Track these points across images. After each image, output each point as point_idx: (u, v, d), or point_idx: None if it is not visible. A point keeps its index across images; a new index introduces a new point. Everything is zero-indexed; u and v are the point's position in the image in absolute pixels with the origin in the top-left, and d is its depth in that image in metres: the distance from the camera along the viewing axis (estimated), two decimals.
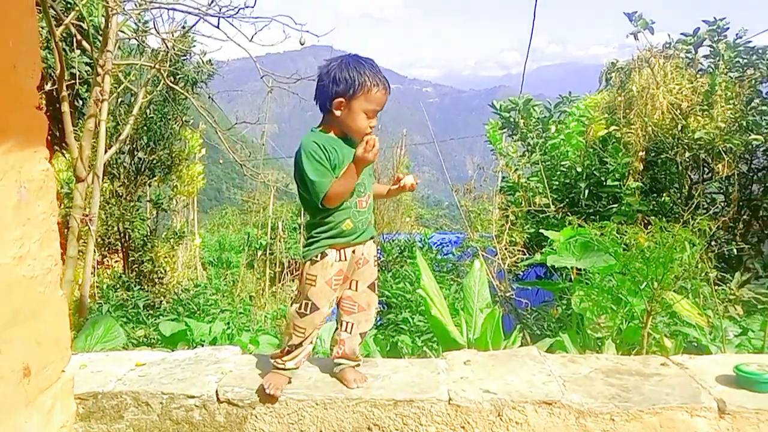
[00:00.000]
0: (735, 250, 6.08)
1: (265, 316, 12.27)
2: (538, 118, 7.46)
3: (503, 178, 7.90)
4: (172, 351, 3.21)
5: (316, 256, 2.17)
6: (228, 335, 4.73)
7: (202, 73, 7.52)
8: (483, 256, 6.10)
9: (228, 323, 5.53)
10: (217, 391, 2.29)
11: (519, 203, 7.12)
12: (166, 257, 9.33)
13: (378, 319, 7.41)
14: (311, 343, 2.29)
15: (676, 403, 2.10)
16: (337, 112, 2.13)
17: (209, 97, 7.60)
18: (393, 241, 9.11)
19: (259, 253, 20.14)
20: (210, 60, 7.66)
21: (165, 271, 9.22)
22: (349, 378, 2.28)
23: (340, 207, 2.15)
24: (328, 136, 2.17)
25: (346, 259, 2.20)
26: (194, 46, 7.56)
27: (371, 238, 2.31)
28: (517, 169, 7.50)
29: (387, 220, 10.09)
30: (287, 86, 5.27)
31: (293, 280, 19.03)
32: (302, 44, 4.72)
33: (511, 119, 7.60)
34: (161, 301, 8.32)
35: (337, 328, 2.37)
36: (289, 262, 19.94)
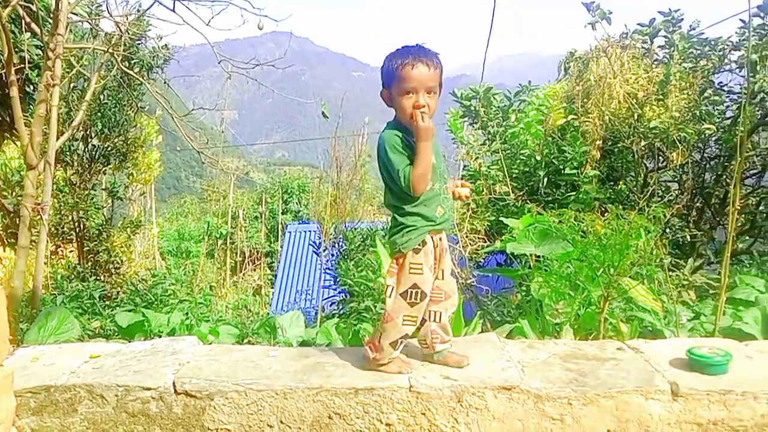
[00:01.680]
0: (688, 237, 6.25)
1: (226, 306, 12.15)
2: (499, 107, 7.51)
3: (464, 166, 7.94)
4: (129, 342, 3.14)
5: (419, 245, 2.21)
6: (187, 326, 4.65)
7: (158, 58, 7.34)
8: None
9: (187, 314, 5.43)
10: (174, 383, 2.24)
11: (480, 191, 7.17)
12: (122, 247, 9.12)
13: (340, 307, 7.39)
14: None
15: (631, 386, 2.15)
16: (387, 103, 2.23)
17: (165, 83, 7.42)
18: (355, 229, 9.07)
19: (220, 242, 19.95)
20: (166, 44, 7.47)
21: (121, 261, 9.02)
22: (456, 359, 2.34)
23: (432, 194, 2.21)
24: (402, 129, 2.21)
25: (437, 246, 2.27)
26: (149, 30, 7.37)
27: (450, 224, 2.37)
28: (477, 158, 7.54)
29: (350, 209, 10.05)
30: (245, 72, 5.17)
31: (254, 270, 18.92)
32: (260, 29, 4.64)
33: (472, 108, 7.63)
34: (118, 292, 8.14)
35: (424, 321, 2.35)
36: (250, 251, 19.79)
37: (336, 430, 2.15)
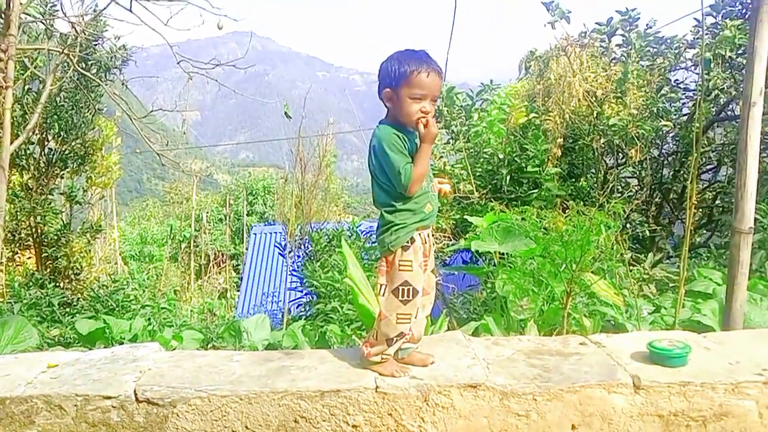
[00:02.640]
0: (648, 232, 6.38)
1: (191, 311, 11.99)
2: (461, 106, 7.55)
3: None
4: (89, 350, 3.07)
5: (408, 242, 2.21)
6: (149, 332, 4.57)
7: (116, 59, 7.19)
8: None
9: (149, 319, 5.34)
10: (135, 391, 2.19)
11: None
12: (82, 252, 8.91)
13: (307, 309, 7.35)
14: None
15: (594, 380, 2.17)
16: (389, 103, 2.22)
17: (123, 84, 7.27)
18: (321, 230, 9.03)
19: (183, 245, 19.67)
20: (124, 45, 7.31)
21: (81, 267, 8.81)
22: (420, 358, 2.35)
23: (421, 191, 2.23)
24: (395, 125, 2.21)
25: (426, 243, 2.29)
26: (106, 30, 7.20)
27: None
28: (441, 156, 7.58)
29: (315, 209, 10.00)
30: (206, 72, 5.10)
31: (220, 273, 18.70)
32: (220, 28, 4.58)
33: (436, 107, 7.67)
34: (78, 299, 7.95)
35: None
36: (215, 254, 19.56)
37: None
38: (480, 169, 7.14)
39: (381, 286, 2.26)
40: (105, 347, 3.59)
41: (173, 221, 20.85)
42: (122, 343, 4.10)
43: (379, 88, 2.25)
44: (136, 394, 2.19)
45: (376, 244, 2.38)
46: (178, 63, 5.03)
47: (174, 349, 4.05)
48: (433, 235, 6.33)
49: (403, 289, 2.21)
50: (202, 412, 2.14)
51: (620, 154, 6.70)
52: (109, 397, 2.19)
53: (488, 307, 4.48)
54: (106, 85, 7.11)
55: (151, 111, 5.85)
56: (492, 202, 6.19)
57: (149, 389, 2.18)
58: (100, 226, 9.75)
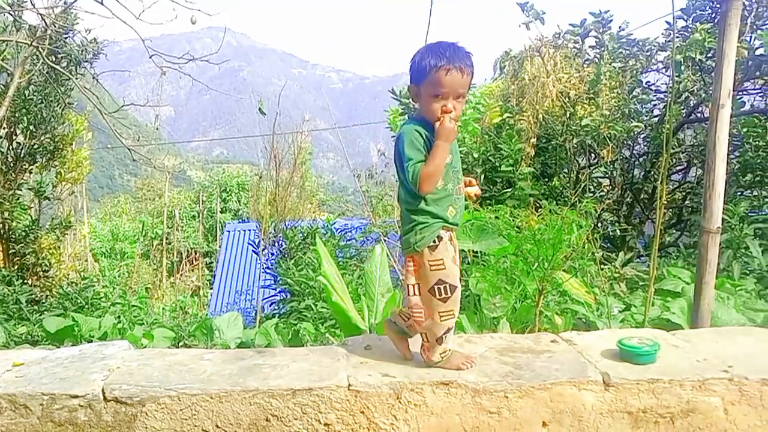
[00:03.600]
0: (619, 231, 6.47)
1: (163, 308, 11.84)
2: None
3: None
4: (56, 348, 3.01)
5: (434, 241, 2.16)
6: (119, 329, 4.51)
7: (87, 52, 7.06)
8: (386, 241, 6.16)
9: (119, 317, 5.27)
10: (103, 389, 2.16)
11: None
12: (51, 249, 8.74)
13: (280, 307, 7.31)
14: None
15: (565, 378, 2.19)
16: (414, 100, 2.18)
17: (93, 78, 7.14)
18: (296, 228, 8.99)
19: (156, 242, 19.42)
20: (95, 38, 7.18)
21: (50, 264, 8.65)
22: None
23: (444, 193, 2.16)
24: (424, 123, 2.16)
25: (453, 239, 2.24)
26: (77, 23, 7.07)
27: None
28: None
29: (290, 207, 9.95)
30: (179, 67, 5.04)
31: (192, 270, 18.51)
32: (193, 23, 4.53)
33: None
34: (47, 296, 7.81)
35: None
36: (187, 251, 19.35)
37: None
38: None
39: (411, 286, 2.21)
40: (73, 345, 3.54)
41: (145, 218, 20.59)
42: (91, 341, 4.04)
43: (410, 81, 2.21)
44: (104, 393, 2.15)
45: (400, 242, 2.34)
46: (150, 57, 4.97)
47: (144, 348, 4.01)
48: None
49: (439, 288, 2.17)
50: (171, 411, 2.12)
51: (592, 154, 6.78)
52: (76, 396, 2.15)
53: (461, 305, 4.51)
54: (77, 78, 6.98)
55: (123, 106, 5.77)
56: (467, 200, 6.22)
57: (117, 388, 2.15)
58: (69, 222, 9.56)
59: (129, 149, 5.93)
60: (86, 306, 6.57)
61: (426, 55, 2.10)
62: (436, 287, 2.17)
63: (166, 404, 2.11)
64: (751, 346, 2.49)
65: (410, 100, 2.21)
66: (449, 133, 2.10)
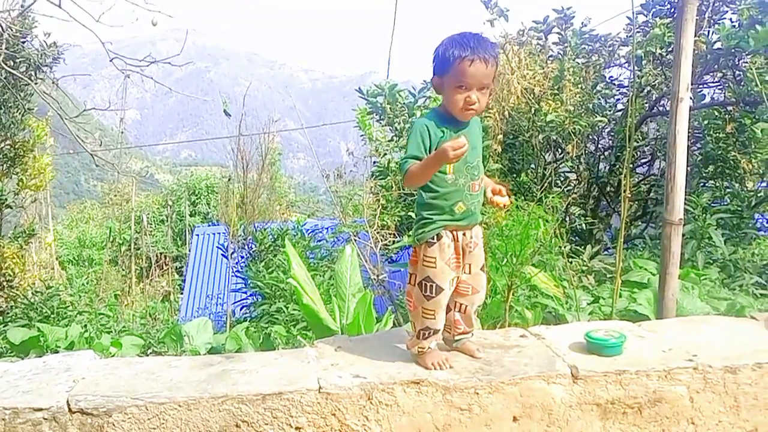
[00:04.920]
0: (586, 225, 6.55)
1: (133, 315, 11.64)
2: (404, 104, 7.57)
3: (374, 162, 7.97)
4: (21, 360, 2.95)
5: (432, 238, 2.17)
6: (86, 339, 4.42)
7: (46, 57, 6.89)
8: (356, 240, 6.15)
9: (86, 326, 5.16)
10: (68, 401, 2.11)
11: (390, 187, 7.22)
12: (14, 258, 8.52)
13: (251, 310, 7.25)
14: (442, 322, 2.29)
15: (534, 372, 2.22)
16: (438, 91, 2.17)
17: (53, 82, 6.98)
18: (265, 230, 8.92)
19: (124, 248, 19.09)
20: (54, 42, 7.02)
21: (14, 273, 8.42)
22: (472, 348, 2.35)
23: (453, 188, 2.15)
24: (443, 117, 2.15)
25: (458, 241, 2.20)
26: (36, 26, 6.90)
27: (479, 222, 2.30)
28: (386, 154, 7.59)
29: (260, 209, 9.87)
30: (141, 69, 4.96)
31: (162, 276, 18.25)
32: (154, 25, 4.46)
33: (378, 104, 7.67)
34: (11, 307, 7.62)
35: (449, 309, 2.33)
36: (157, 256, 19.06)
37: None
38: None
39: (410, 274, 2.26)
40: (38, 356, 3.46)
41: (113, 223, 20.24)
42: (57, 352, 3.95)
43: (433, 74, 2.19)
44: (68, 405, 2.10)
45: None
46: (111, 60, 4.88)
47: (113, 356, 3.94)
48: (378, 233, 6.30)
49: (426, 284, 2.19)
50: (139, 420, 2.08)
51: (558, 149, 6.86)
52: (39, 409, 2.10)
53: None
54: (36, 83, 6.82)
55: (84, 110, 5.65)
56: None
57: (83, 399, 2.11)
58: (33, 230, 9.33)
59: (92, 154, 5.81)
60: (52, 315, 6.43)
61: (450, 46, 2.08)
62: (423, 283, 2.20)
63: (133, 414, 2.08)
64: (714, 334, 2.54)
65: (432, 91, 2.18)
66: (446, 159, 2.02)
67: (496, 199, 2.27)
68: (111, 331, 5.50)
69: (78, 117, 5.51)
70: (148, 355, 3.98)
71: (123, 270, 18.43)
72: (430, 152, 2.10)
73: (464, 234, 2.22)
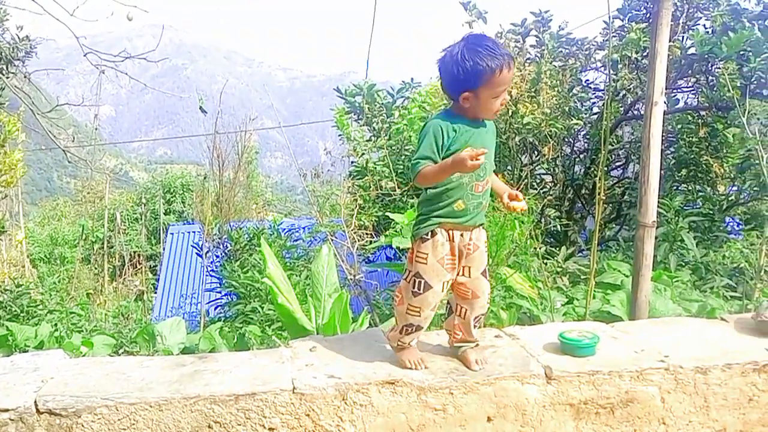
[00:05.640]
0: (561, 227, 6.61)
1: (105, 314, 11.47)
2: (382, 104, 7.58)
3: (352, 162, 7.96)
4: None
5: (426, 235, 2.15)
6: (56, 338, 4.34)
7: (18, 50, 6.75)
8: (333, 240, 6.13)
9: (56, 325, 5.07)
10: (36, 402, 2.07)
11: (367, 187, 7.21)
12: None
13: (226, 310, 7.19)
14: (428, 321, 2.26)
15: (508, 372, 2.22)
16: (466, 104, 2.09)
17: (25, 77, 6.85)
18: (241, 229, 8.85)
19: (97, 246, 18.80)
20: (27, 36, 6.88)
21: None
22: (471, 359, 2.27)
23: (454, 185, 2.11)
24: (456, 117, 2.11)
25: (453, 241, 2.16)
26: (7, 19, 6.76)
27: (481, 224, 2.25)
28: (364, 154, 7.58)
29: (236, 207, 9.79)
30: (115, 65, 4.88)
31: (136, 275, 18.01)
32: (130, 20, 4.40)
33: (357, 104, 7.66)
34: None
35: (450, 313, 2.33)
36: (130, 255, 18.81)
37: None
38: (401, 166, 7.19)
39: (406, 270, 2.24)
40: (6, 356, 3.38)
41: (85, 221, 19.92)
42: (26, 351, 3.87)
43: (450, 88, 2.12)
44: (36, 405, 2.06)
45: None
46: (85, 55, 4.79)
47: (84, 356, 3.87)
48: (355, 232, 6.28)
49: (415, 280, 2.18)
50: (109, 421, 2.04)
51: (535, 151, 6.91)
52: (6, 410, 2.05)
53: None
54: (8, 77, 6.68)
55: (57, 105, 5.55)
56: (413, 198, 6.24)
57: (51, 399, 2.06)
58: (3, 227, 9.16)
59: (64, 150, 5.71)
60: (22, 314, 6.30)
61: (478, 58, 2.02)
62: (413, 279, 2.19)
63: (103, 414, 2.04)
64: (686, 335, 2.58)
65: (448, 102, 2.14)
66: (463, 168, 1.99)
67: (513, 204, 2.22)
68: (82, 331, 5.40)
69: (51, 112, 5.41)
70: (119, 355, 3.93)
71: (96, 268, 18.16)
72: (442, 150, 2.08)
73: (462, 235, 2.19)
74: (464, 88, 2.07)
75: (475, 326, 2.32)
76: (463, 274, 2.24)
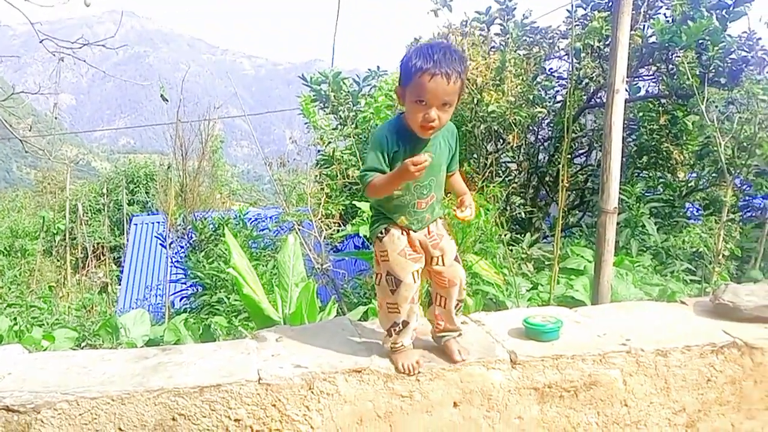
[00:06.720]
0: (526, 213, 6.68)
1: (69, 307, 11.24)
2: (348, 92, 7.54)
3: (319, 151, 7.92)
4: None
5: (381, 233, 2.16)
6: (16, 332, 4.23)
7: None
8: (300, 230, 6.09)
9: (15, 319, 4.95)
10: None
11: (334, 176, 7.18)
12: None
13: (192, 301, 7.11)
14: (416, 317, 2.23)
15: (474, 358, 2.24)
16: (401, 102, 2.06)
17: None
18: (205, 219, 8.73)
19: (58, 238, 18.38)
20: None
21: None
22: (453, 349, 2.25)
23: (398, 203, 2.13)
24: (403, 127, 2.07)
25: (410, 235, 2.18)
26: None
27: (435, 220, 2.26)
28: (330, 142, 7.54)
29: (200, 197, 9.64)
30: (73, 52, 4.75)
31: (99, 267, 17.68)
32: (87, 6, 4.27)
33: (323, 92, 7.61)
34: None
35: (431, 304, 2.32)
36: (94, 246, 18.44)
37: None
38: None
39: (376, 274, 2.23)
40: None
41: (46, 212, 19.44)
42: None
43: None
44: None
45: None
46: (41, 41, 4.65)
47: (45, 350, 3.79)
48: (322, 221, 6.23)
49: (387, 279, 2.17)
50: (69, 416, 2.00)
51: (500, 139, 6.96)
52: None
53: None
54: None
55: (13, 93, 5.38)
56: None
57: (8, 395, 2.01)
58: None
59: (22, 140, 5.54)
60: None
61: (414, 57, 1.96)
62: (385, 278, 2.18)
63: (63, 410, 2.00)
64: (647, 319, 2.63)
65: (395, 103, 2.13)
66: (410, 176, 1.96)
67: (459, 215, 2.28)
68: (43, 324, 5.29)
69: (6, 101, 5.24)
70: (82, 349, 3.85)
71: (58, 261, 17.76)
72: (387, 163, 2.05)
73: (416, 231, 2.20)
74: (399, 83, 2.07)
75: (456, 314, 2.33)
76: (437, 264, 2.25)
